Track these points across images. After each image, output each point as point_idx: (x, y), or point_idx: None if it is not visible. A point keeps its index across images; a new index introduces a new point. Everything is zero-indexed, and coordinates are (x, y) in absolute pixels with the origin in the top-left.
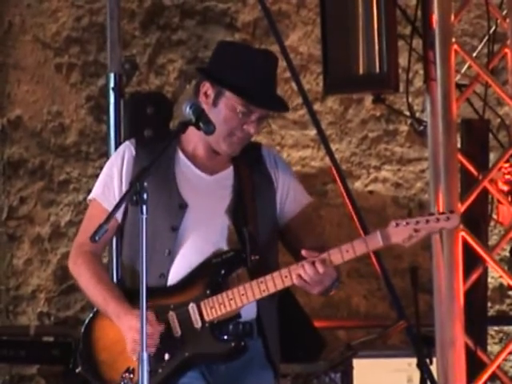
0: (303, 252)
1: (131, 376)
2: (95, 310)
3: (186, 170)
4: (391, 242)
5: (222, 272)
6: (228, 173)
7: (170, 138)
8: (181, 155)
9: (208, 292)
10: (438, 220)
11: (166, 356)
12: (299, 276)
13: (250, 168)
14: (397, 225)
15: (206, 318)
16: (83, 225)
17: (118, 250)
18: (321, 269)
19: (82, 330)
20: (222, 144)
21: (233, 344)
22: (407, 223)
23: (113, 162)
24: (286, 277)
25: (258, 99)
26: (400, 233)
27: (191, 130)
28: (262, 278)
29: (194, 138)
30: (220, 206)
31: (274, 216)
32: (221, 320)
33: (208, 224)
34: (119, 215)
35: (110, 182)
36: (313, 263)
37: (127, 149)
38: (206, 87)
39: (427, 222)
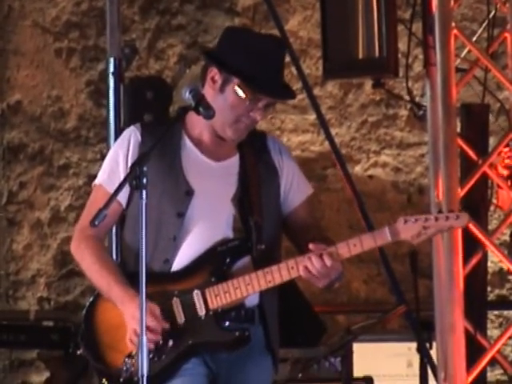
0: (310, 246)
1: (133, 361)
2: (97, 292)
3: (192, 156)
4: (400, 238)
5: (227, 260)
6: (234, 160)
7: (170, 123)
8: (187, 141)
9: (213, 280)
10: (447, 218)
11: (170, 343)
12: (306, 268)
13: (255, 157)
14: (405, 221)
15: (211, 306)
16: (86, 209)
17: (119, 233)
18: (328, 262)
19: (84, 312)
20: (228, 130)
21: (237, 334)
22: (416, 220)
23: (118, 147)
24: (292, 268)
25: (266, 87)
26: (409, 229)
27: (196, 115)
28: (267, 268)
29: (199, 123)
30: (226, 194)
31: (278, 206)
32: (225, 308)
33: (214, 211)
34: (123, 200)
35: (115, 168)
36: (320, 256)
37: (132, 133)
38: (214, 72)
39: (436, 219)
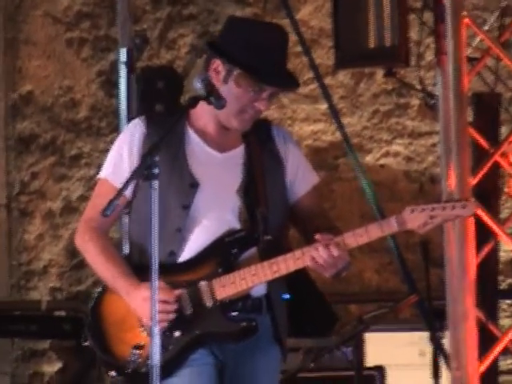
0: (317, 236)
1: (140, 352)
2: (104, 284)
3: (197, 148)
4: (406, 228)
5: (234, 251)
6: (239, 151)
7: (180, 112)
8: (191, 132)
9: (220, 270)
10: (453, 207)
11: (177, 333)
12: (312, 258)
13: (260, 147)
14: (412, 211)
15: (218, 297)
16: (91, 202)
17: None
18: (335, 252)
19: (91, 304)
20: (233, 121)
21: (244, 324)
22: (423, 209)
23: (123, 140)
24: (298, 258)
25: (269, 77)
26: (415, 219)
27: (201, 106)
28: (274, 258)
29: (204, 114)
30: (231, 185)
31: (284, 195)
32: (232, 298)
33: (219, 203)
34: (129, 192)
35: (120, 161)
36: (327, 246)
37: (137, 126)
38: (217, 64)
39: (443, 209)
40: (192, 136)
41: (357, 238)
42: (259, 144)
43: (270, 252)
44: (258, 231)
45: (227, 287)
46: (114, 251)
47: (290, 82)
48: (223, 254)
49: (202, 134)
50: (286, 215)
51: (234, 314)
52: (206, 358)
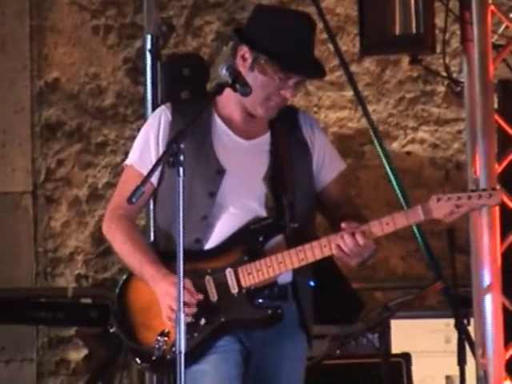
0: (343, 224)
1: (165, 339)
2: (130, 271)
3: (223, 135)
4: (432, 217)
5: (261, 239)
6: (265, 138)
7: (206, 99)
8: (217, 119)
9: (246, 258)
10: (480, 197)
11: (202, 321)
12: (338, 246)
13: (287, 134)
14: (438, 200)
15: (243, 284)
16: (118, 189)
17: (153, 213)
18: (361, 240)
19: (117, 290)
20: (259, 108)
21: (270, 311)
22: (449, 198)
23: (149, 127)
24: (325, 246)
25: (296, 65)
26: (441, 208)
27: (227, 93)
28: (300, 246)
29: (230, 101)
30: (258, 172)
31: (311, 183)
32: (257, 286)
33: (246, 190)
34: (155, 179)
35: (146, 148)
36: (353, 234)
37: (163, 113)
38: (244, 51)
39: (469, 198)
40: (218, 123)
41: (383, 226)
42: (286, 131)
43: (296, 240)
44: (285, 219)
45: (253, 275)
46: (141, 238)
47: (315, 71)
48: (249, 242)
49: (228, 121)
50: (313, 202)
51: (260, 301)
52: (232, 344)
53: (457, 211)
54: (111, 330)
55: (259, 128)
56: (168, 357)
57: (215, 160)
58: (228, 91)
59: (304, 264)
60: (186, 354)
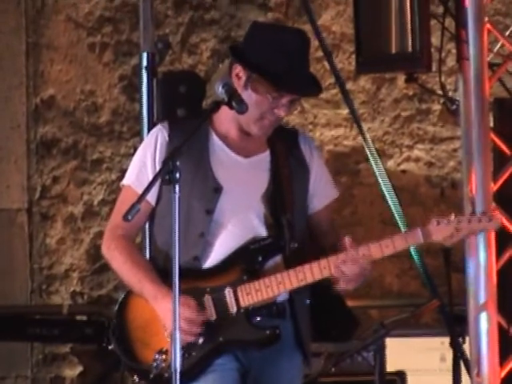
0: (344, 244)
1: (164, 357)
2: (129, 288)
3: (220, 152)
4: (432, 240)
5: (260, 259)
6: (264, 156)
7: (202, 117)
8: (214, 137)
9: (245, 278)
10: (480, 220)
11: (201, 339)
12: (338, 268)
13: (287, 153)
14: (438, 223)
15: (242, 304)
16: (116, 209)
17: (150, 231)
18: (363, 264)
19: (116, 307)
20: (253, 126)
21: (268, 332)
22: (449, 222)
23: (146, 147)
24: (324, 268)
25: (289, 84)
26: (441, 231)
27: (223, 110)
28: (299, 267)
29: (226, 119)
30: (257, 191)
31: (306, 204)
32: (256, 306)
33: (244, 208)
34: (152, 198)
35: (143, 168)
36: (355, 259)
37: (159, 133)
38: (238, 69)
39: (469, 221)
40: (215, 141)
41: (383, 248)
42: (286, 150)
43: (295, 260)
44: (284, 239)
45: (252, 295)
46: (141, 257)
47: (309, 88)
48: (248, 262)
49: (224, 138)
50: (306, 222)
51: (259, 319)
52: (229, 363)
53: (456, 234)
54: (109, 347)
55: (257, 146)
56: (166, 375)
57: (212, 178)
58: (225, 109)
59: (303, 285)
60: (184, 373)
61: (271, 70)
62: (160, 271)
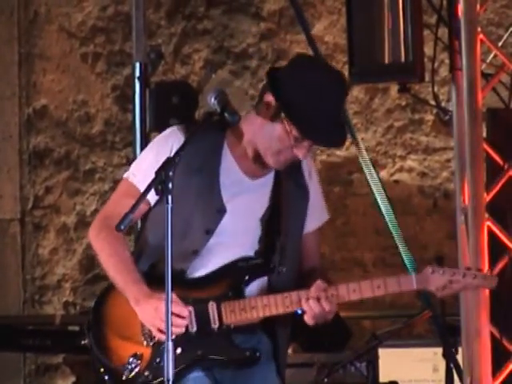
0: (315, 288)
1: (138, 362)
2: (109, 284)
3: (231, 172)
4: (425, 288)
5: (246, 278)
6: (269, 178)
7: (195, 129)
8: (228, 155)
9: (230, 294)
10: (475, 277)
11: (178, 350)
12: (315, 305)
13: (289, 176)
14: (433, 271)
15: (225, 321)
16: (114, 198)
17: (140, 231)
18: (331, 305)
19: (94, 303)
20: (269, 157)
21: (247, 354)
22: (443, 272)
23: (160, 147)
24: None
25: (314, 134)
26: (435, 281)
27: (242, 130)
28: (287, 292)
29: (245, 139)
30: (256, 212)
31: (302, 227)
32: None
33: (244, 230)
34: (152, 199)
35: (148, 166)
36: (326, 298)
37: (176, 139)
38: (270, 99)
39: (464, 275)
40: (228, 157)
41: (374, 289)
42: (288, 173)
43: (280, 284)
44: (274, 261)
45: (236, 313)
46: (128, 255)
47: (332, 140)
48: (235, 278)
49: (238, 158)
50: (300, 246)
51: (240, 338)
52: (204, 378)
53: (450, 287)
54: (82, 342)
55: (267, 169)
56: (139, 380)
57: (218, 198)
58: (244, 129)
59: (289, 311)
60: (159, 383)
61: (301, 114)
62: (144, 274)
